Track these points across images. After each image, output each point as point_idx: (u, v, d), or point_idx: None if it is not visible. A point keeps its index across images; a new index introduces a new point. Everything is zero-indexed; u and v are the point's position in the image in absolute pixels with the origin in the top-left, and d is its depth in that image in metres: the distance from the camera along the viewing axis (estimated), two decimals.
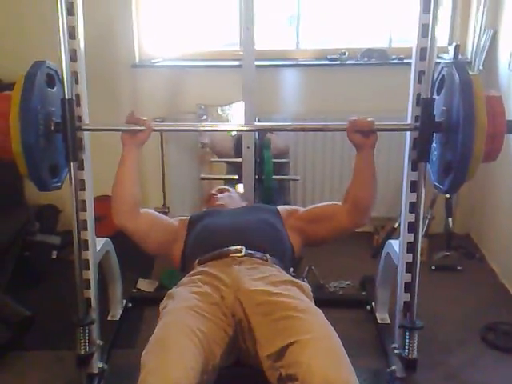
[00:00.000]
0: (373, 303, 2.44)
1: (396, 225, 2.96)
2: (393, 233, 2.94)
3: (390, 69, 3.05)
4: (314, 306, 1.50)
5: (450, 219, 2.86)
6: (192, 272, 1.66)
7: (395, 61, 3.03)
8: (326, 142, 3.12)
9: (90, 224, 1.98)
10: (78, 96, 1.84)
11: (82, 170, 1.91)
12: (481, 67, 2.85)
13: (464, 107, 1.56)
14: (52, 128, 1.73)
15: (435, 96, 1.73)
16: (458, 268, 2.86)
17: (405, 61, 2.99)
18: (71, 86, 1.75)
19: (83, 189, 1.93)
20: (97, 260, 2.05)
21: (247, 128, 2.31)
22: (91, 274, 1.99)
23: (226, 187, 2.19)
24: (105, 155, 1.89)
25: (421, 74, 1.80)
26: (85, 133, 1.90)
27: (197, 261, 1.71)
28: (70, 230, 1.86)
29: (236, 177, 2.76)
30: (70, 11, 1.75)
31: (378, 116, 3.02)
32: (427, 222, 2.88)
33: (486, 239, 3.08)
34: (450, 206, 2.85)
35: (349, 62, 3.04)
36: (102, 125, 1.96)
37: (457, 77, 1.60)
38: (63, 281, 2.40)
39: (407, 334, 1.89)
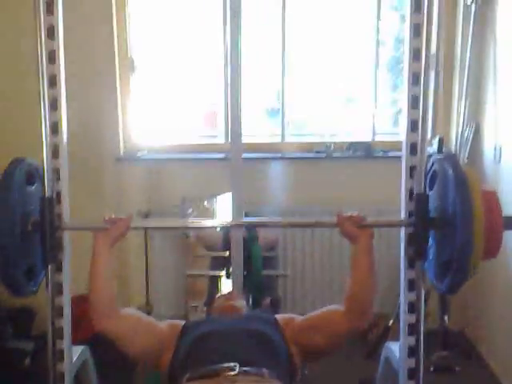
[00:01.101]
0: None
1: (390, 323, 2.84)
2: (387, 332, 2.81)
3: (374, 162, 3.09)
4: None
5: (446, 317, 2.75)
6: None
7: (380, 154, 3.08)
8: (314, 234, 3.08)
9: (67, 331, 1.83)
10: (58, 193, 1.75)
11: (60, 271, 1.79)
12: (466, 160, 2.89)
13: (461, 204, 1.51)
14: (29, 228, 1.64)
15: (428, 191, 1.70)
16: (457, 369, 2.72)
17: (389, 154, 3.04)
18: (52, 183, 1.69)
19: (60, 292, 1.80)
20: (73, 372, 1.87)
21: (235, 223, 2.21)
22: None
23: (240, 304, 1.98)
24: (82, 252, 1.78)
25: (412, 169, 1.78)
26: (65, 233, 1.80)
27: (185, 379, 1.55)
28: (45, 333, 1.73)
29: (222, 273, 2.68)
30: (54, 105, 1.71)
31: (364, 208, 3.02)
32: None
33: (483, 336, 2.96)
34: (445, 302, 2.76)
35: (334, 155, 3.07)
36: (83, 223, 1.85)
37: (450, 172, 1.57)
38: None
39: None
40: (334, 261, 3.06)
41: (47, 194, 1.67)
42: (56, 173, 1.76)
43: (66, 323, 1.81)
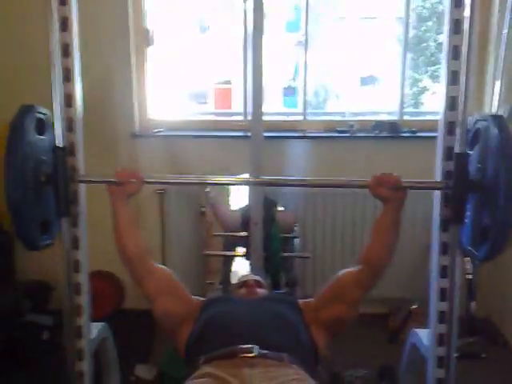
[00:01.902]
0: None
1: (413, 307, 2.77)
2: (410, 316, 2.74)
3: (401, 142, 2.97)
4: None
5: (473, 303, 2.66)
6: (196, 374, 1.43)
7: (407, 134, 2.95)
8: (336, 215, 2.99)
9: (86, 304, 1.78)
10: (72, 144, 1.70)
11: (76, 226, 1.74)
12: None
13: (506, 168, 1.42)
14: (42, 179, 1.58)
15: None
16: (483, 356, 2.65)
17: (417, 134, 2.92)
18: (65, 133, 1.62)
19: (76, 247, 1.76)
20: (92, 349, 1.82)
21: (254, 181, 2.12)
22: (85, 366, 1.77)
23: (262, 281, 1.92)
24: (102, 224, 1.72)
25: (451, 126, 1.67)
26: (81, 186, 1.76)
27: (202, 359, 1.48)
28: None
29: (239, 254, 2.60)
30: (66, 52, 1.64)
31: None
32: None
33: (509, 322, 2.88)
34: (472, 288, 2.67)
35: (359, 134, 2.96)
36: (98, 176, 1.73)
37: (496, 132, 1.47)
38: (55, 365, 2.14)
39: None
40: (355, 242, 2.98)
41: (60, 144, 1.60)
42: (69, 122, 1.69)
43: (84, 293, 1.76)
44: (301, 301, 1.74)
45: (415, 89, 3.52)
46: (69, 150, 1.67)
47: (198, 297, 1.74)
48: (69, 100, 1.69)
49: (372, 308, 2.72)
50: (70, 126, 1.70)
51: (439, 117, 1.73)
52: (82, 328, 1.74)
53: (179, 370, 1.62)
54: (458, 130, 1.60)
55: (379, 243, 1.61)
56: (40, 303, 2.76)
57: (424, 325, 2.58)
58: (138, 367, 2.46)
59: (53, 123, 1.60)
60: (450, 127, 1.68)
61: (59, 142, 1.60)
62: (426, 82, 3.56)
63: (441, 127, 1.72)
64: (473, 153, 1.59)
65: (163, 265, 2.89)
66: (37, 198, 1.57)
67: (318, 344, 1.60)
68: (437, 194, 1.72)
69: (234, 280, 2.76)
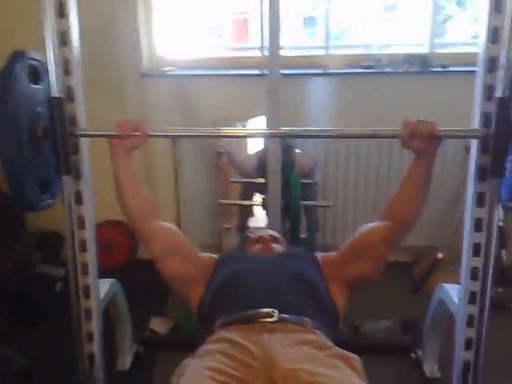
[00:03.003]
0: (418, 351, 2.11)
1: (439, 255, 2.63)
2: (436, 265, 2.61)
3: (432, 78, 2.73)
4: None
5: (503, 251, 2.52)
6: (212, 338, 1.34)
7: (439, 68, 2.71)
8: (359, 159, 2.80)
9: (93, 264, 1.69)
10: (70, 90, 1.54)
11: (78, 181, 1.62)
12: None
13: None
14: (39, 134, 1.44)
15: None
16: (511, 306, 2.54)
17: (449, 69, 2.69)
18: (60, 77, 1.45)
19: (80, 202, 1.64)
20: (101, 308, 1.76)
21: (272, 133, 1.93)
22: (94, 326, 1.71)
23: (278, 236, 1.83)
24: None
25: (492, 62, 1.46)
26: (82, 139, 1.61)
27: (218, 322, 1.39)
28: None
29: (257, 202, 2.48)
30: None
31: None
32: None
33: None
34: (504, 235, 2.51)
35: (386, 69, 2.72)
36: (101, 129, 1.56)
37: None
38: (68, 317, 2.12)
39: None
40: (380, 190, 2.81)
41: (56, 93, 1.44)
42: (65, 64, 1.52)
43: (90, 252, 1.66)
44: (320, 255, 1.63)
45: (438, 16, 3.18)
46: (67, 98, 1.51)
47: (209, 254, 1.64)
48: (63, 38, 1.51)
49: (395, 256, 2.56)
50: (66, 69, 1.53)
51: (479, 50, 1.51)
52: (89, 287, 1.66)
53: (195, 324, 1.55)
54: (500, 70, 1.40)
55: (408, 199, 1.47)
56: (52, 254, 2.71)
57: (451, 275, 2.50)
58: (153, 320, 2.41)
59: (47, 69, 1.44)
60: (491, 63, 1.47)
61: (55, 91, 1.44)
62: (450, 9, 3.22)
63: (480, 63, 1.50)
64: None
65: (178, 215, 2.87)
66: (34, 154, 1.44)
67: (337, 303, 1.51)
68: (474, 141, 1.54)
69: (252, 224, 2.68)
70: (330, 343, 1.30)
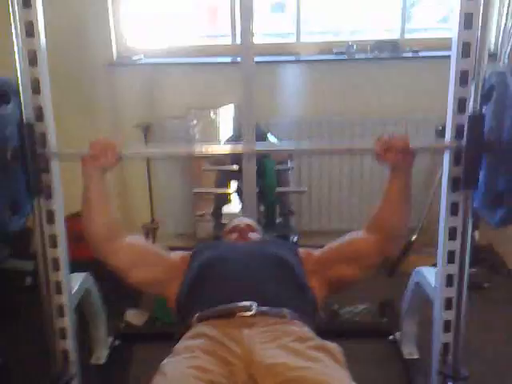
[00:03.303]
0: (396, 333, 2.13)
1: (413, 238, 2.66)
2: (409, 247, 2.64)
3: (403, 63, 2.74)
4: (348, 381, 1.16)
5: (476, 232, 2.55)
6: (190, 333, 1.30)
7: (409, 54, 2.72)
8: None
9: (64, 260, 1.64)
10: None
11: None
12: (506, 60, 2.54)
13: None
14: (8, 156, 1.41)
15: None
16: (485, 285, 2.58)
17: (420, 54, 2.70)
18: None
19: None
20: (73, 304, 1.71)
21: (247, 150, 1.85)
22: (67, 322, 1.66)
23: (254, 224, 1.79)
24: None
25: (462, 76, 1.48)
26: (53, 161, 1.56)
27: (195, 316, 1.35)
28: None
29: (231, 191, 2.46)
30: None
31: (392, 118, 2.74)
32: None
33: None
34: (476, 217, 2.54)
35: (357, 56, 2.71)
36: (70, 151, 1.56)
37: None
38: (40, 312, 2.06)
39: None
40: (354, 175, 2.82)
41: (25, 116, 1.41)
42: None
43: (61, 252, 1.62)
44: (301, 249, 1.60)
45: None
46: (36, 118, 1.48)
47: (182, 252, 1.59)
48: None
49: None
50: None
51: (451, 35, 1.51)
52: (60, 283, 1.60)
53: (171, 315, 1.52)
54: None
55: (392, 212, 1.46)
56: (20, 248, 2.62)
57: (424, 257, 2.53)
58: (129, 312, 2.37)
59: (17, 89, 1.40)
60: (465, 49, 1.47)
61: (26, 113, 1.41)
62: None
63: (454, 49, 1.50)
64: (485, 109, 1.43)
65: (151, 205, 2.82)
66: (3, 177, 1.40)
67: (317, 298, 1.48)
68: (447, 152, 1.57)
69: (226, 211, 2.65)
70: (310, 334, 1.28)
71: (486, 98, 1.44)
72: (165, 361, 1.21)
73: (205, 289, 1.42)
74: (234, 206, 2.56)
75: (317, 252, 1.56)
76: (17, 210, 1.47)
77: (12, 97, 1.43)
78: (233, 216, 2.17)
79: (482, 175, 1.48)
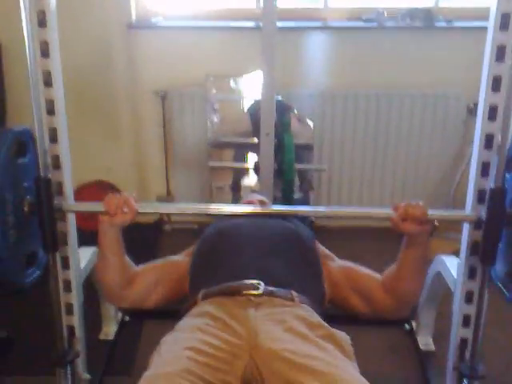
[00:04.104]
0: (412, 322, 2.06)
1: (436, 223, 2.54)
2: (432, 232, 2.52)
3: (436, 33, 2.59)
4: (356, 373, 1.10)
5: None
6: (194, 311, 1.27)
7: (443, 24, 2.55)
8: (357, 123, 2.68)
9: (72, 236, 1.59)
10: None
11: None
12: None
13: None
14: (25, 209, 1.38)
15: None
16: None
17: (455, 24, 2.54)
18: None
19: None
20: (81, 279, 1.67)
21: (264, 212, 1.60)
22: (74, 298, 1.63)
23: (267, 201, 1.74)
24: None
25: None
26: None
27: (201, 293, 1.31)
28: None
29: (250, 166, 2.38)
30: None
31: (420, 92, 2.60)
32: None
33: None
34: None
35: (388, 24, 2.55)
36: (87, 206, 1.56)
37: None
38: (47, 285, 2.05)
39: (465, 381, 1.52)
40: (377, 156, 2.71)
41: (42, 172, 1.36)
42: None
43: (71, 226, 1.57)
44: (318, 244, 1.55)
45: None
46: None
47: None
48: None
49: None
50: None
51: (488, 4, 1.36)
52: (68, 258, 1.56)
53: None
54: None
55: (405, 281, 1.40)
56: None
57: (448, 242, 2.41)
58: None
59: (34, 141, 1.37)
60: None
61: (43, 166, 1.37)
62: None
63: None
64: (509, 178, 1.36)
65: (167, 177, 2.75)
66: (19, 231, 1.37)
67: (326, 293, 1.44)
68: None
69: (245, 184, 2.59)
70: (319, 321, 1.23)
71: (509, 165, 1.36)
72: (164, 337, 1.20)
73: (209, 265, 1.39)
74: (253, 178, 2.49)
75: (337, 260, 1.53)
76: (33, 261, 1.45)
77: (29, 147, 1.40)
78: (248, 194, 2.10)
79: (501, 250, 1.40)
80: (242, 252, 1.37)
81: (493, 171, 1.38)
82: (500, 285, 1.43)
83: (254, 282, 1.26)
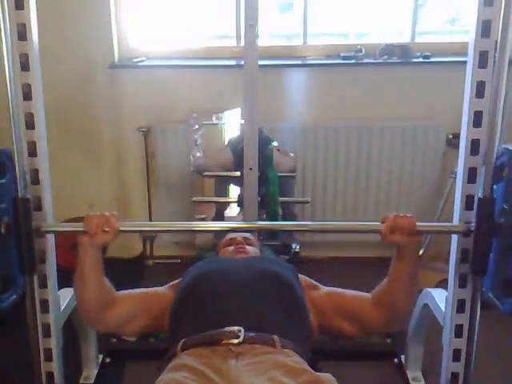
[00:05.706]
0: (401, 356, 2.02)
1: (421, 252, 2.55)
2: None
3: (413, 68, 2.65)
4: None
5: None
6: (172, 364, 1.21)
7: (420, 59, 2.62)
8: (338, 154, 2.71)
9: (52, 278, 1.54)
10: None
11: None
12: None
13: None
14: (2, 231, 1.33)
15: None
16: None
17: (431, 59, 2.60)
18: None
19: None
20: (61, 323, 1.61)
21: (247, 226, 1.77)
22: (53, 342, 1.56)
23: (252, 238, 1.73)
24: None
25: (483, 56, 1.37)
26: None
27: (181, 343, 1.26)
28: None
29: (231, 199, 2.37)
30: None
31: (401, 125, 2.65)
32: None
33: None
34: None
35: (366, 60, 2.62)
36: (65, 226, 1.60)
37: None
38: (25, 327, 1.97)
39: None
40: (359, 186, 2.74)
41: (20, 193, 1.34)
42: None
43: (50, 267, 1.52)
44: (301, 276, 1.52)
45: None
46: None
47: (174, 281, 1.53)
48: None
49: (376, 251, 2.51)
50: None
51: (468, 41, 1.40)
52: (47, 302, 1.51)
53: None
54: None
55: (396, 295, 1.41)
56: None
57: (432, 273, 2.41)
58: None
59: (13, 166, 1.34)
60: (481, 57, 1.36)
61: (21, 187, 1.35)
62: None
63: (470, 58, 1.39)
64: (496, 188, 1.37)
65: (149, 211, 2.73)
66: None
67: (313, 328, 1.42)
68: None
69: (228, 215, 2.57)
70: (303, 365, 1.18)
71: (497, 175, 1.37)
72: None
73: (189, 313, 1.34)
74: (235, 211, 2.48)
75: (322, 289, 1.51)
76: (8, 284, 1.40)
77: (7, 168, 1.37)
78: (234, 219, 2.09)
79: (492, 260, 1.41)
80: (221, 297, 1.34)
81: (479, 185, 1.38)
82: (493, 297, 1.44)
83: (235, 328, 1.22)
